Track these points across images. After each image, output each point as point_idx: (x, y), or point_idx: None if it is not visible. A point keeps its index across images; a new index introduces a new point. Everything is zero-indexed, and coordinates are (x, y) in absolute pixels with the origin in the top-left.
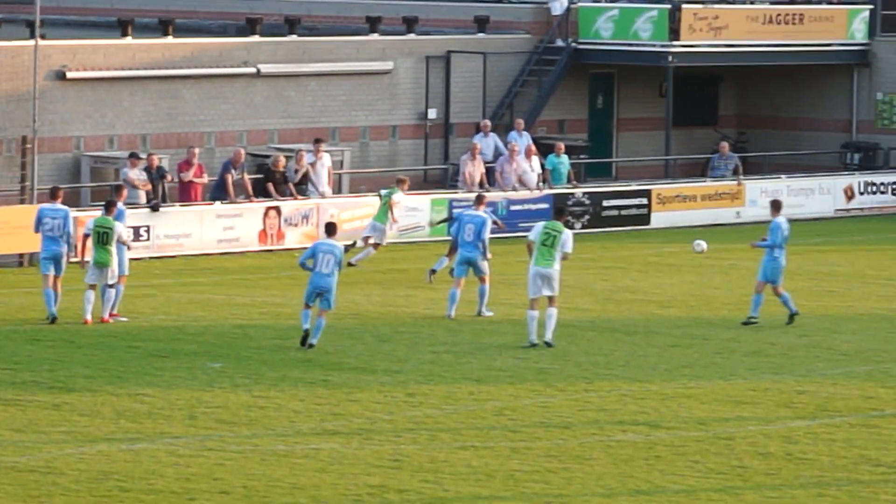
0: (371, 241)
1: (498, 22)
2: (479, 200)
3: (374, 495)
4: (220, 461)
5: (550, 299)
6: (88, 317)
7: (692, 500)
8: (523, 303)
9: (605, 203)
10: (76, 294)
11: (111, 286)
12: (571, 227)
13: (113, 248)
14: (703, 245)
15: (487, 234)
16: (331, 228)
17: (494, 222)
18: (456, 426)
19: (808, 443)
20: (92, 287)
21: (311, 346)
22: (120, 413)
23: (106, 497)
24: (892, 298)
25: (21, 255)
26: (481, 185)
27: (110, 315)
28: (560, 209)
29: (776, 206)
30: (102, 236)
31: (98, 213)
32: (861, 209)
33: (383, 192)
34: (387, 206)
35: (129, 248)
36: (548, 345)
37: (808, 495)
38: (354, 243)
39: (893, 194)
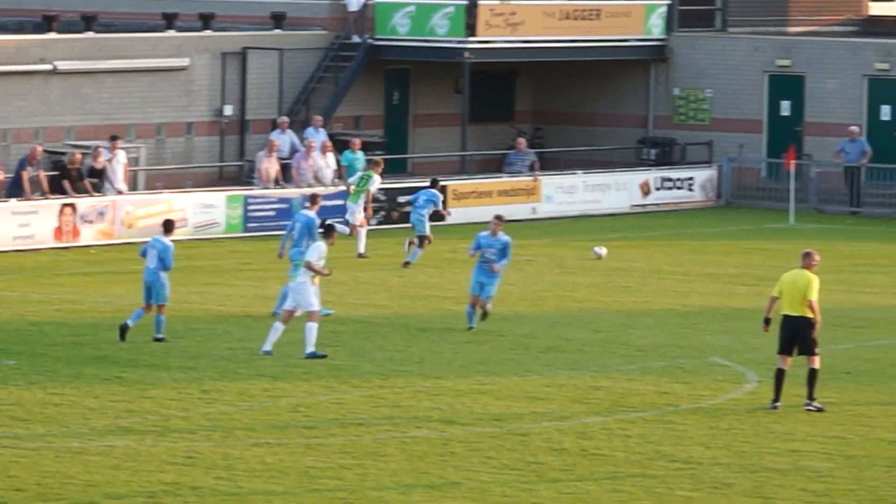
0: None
1: (294, 18)
2: (313, 200)
3: (168, 492)
4: (15, 458)
5: (308, 313)
6: None
7: (486, 496)
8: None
9: (401, 199)
10: None
11: None
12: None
13: None
14: (603, 250)
15: (317, 234)
16: (167, 225)
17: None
18: (250, 423)
19: (602, 438)
20: None
21: (156, 339)
22: None
23: None
24: (687, 294)
25: None
26: (276, 181)
27: None
28: (328, 227)
29: (501, 219)
30: None
31: None
32: (657, 205)
33: (359, 175)
34: (363, 191)
35: None
36: (311, 355)
37: (602, 490)
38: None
39: (689, 190)
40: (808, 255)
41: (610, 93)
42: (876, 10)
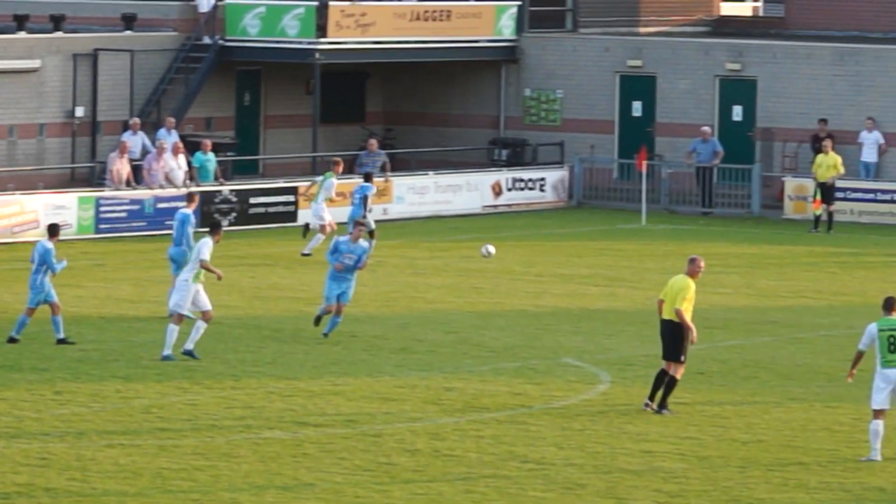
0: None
1: (145, 19)
2: (189, 198)
3: (21, 493)
4: None
5: (174, 314)
6: None
7: (339, 497)
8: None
9: (252, 200)
10: None
11: None
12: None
13: None
14: (491, 249)
15: (191, 231)
16: (51, 229)
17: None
18: (103, 424)
19: (455, 439)
20: None
21: (10, 340)
22: None
23: None
24: (539, 295)
25: None
26: (128, 183)
27: None
28: (214, 224)
29: (363, 226)
30: None
31: None
32: (509, 205)
33: (318, 178)
34: (323, 191)
35: None
36: (187, 354)
37: (455, 491)
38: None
39: (541, 190)
40: (692, 262)
41: (461, 94)
42: (727, 10)
